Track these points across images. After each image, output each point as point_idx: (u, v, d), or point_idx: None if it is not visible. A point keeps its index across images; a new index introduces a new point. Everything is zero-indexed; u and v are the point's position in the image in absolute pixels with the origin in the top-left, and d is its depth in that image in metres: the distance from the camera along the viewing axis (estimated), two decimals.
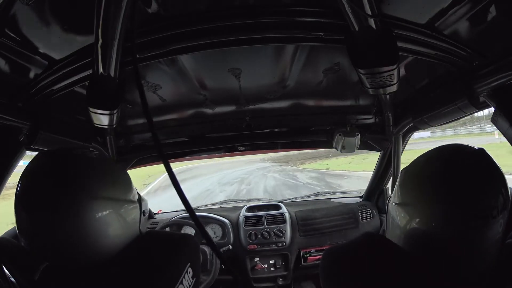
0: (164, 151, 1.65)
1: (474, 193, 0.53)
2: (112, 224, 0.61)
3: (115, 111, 0.86)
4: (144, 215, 0.76)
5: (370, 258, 0.59)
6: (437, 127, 1.20)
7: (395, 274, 0.55)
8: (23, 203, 0.59)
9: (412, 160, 0.66)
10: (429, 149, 0.65)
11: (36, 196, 0.58)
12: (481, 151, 0.58)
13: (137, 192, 0.78)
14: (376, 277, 0.56)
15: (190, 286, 0.67)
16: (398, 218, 0.63)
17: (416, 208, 0.59)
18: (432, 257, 0.56)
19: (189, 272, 0.68)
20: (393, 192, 0.69)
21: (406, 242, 0.61)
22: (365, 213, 1.77)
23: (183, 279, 0.66)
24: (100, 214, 0.59)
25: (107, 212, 0.60)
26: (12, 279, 0.59)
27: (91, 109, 0.83)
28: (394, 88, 0.80)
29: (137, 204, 0.73)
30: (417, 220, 0.58)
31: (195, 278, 0.70)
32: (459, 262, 0.55)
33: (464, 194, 0.53)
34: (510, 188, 0.55)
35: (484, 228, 0.52)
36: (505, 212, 0.53)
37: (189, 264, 0.69)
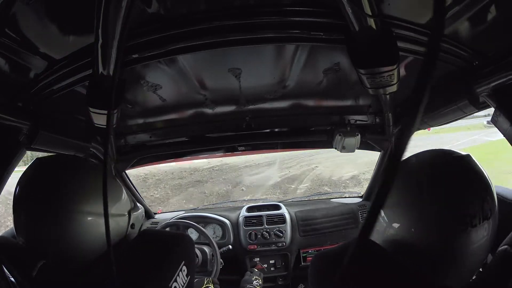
0: (164, 151, 1.65)
1: (454, 200, 0.51)
2: (90, 232, 0.65)
3: (115, 111, 0.86)
4: (132, 228, 0.79)
5: (358, 264, 0.59)
6: None
7: (381, 279, 0.53)
8: (20, 206, 0.64)
9: None
10: (419, 152, 0.63)
11: (27, 202, 0.63)
12: (467, 157, 0.57)
13: (133, 203, 0.81)
14: (363, 283, 0.55)
15: (184, 284, 0.68)
16: (378, 218, 0.62)
17: (395, 212, 0.57)
18: (411, 263, 0.54)
19: (184, 270, 0.69)
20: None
21: (385, 247, 0.60)
22: (365, 213, 1.77)
23: (177, 277, 0.66)
24: (81, 225, 0.63)
25: (89, 223, 0.64)
26: (12, 279, 0.60)
27: (91, 109, 0.83)
28: (394, 88, 0.80)
29: (126, 217, 0.76)
30: (396, 224, 0.57)
31: (189, 277, 0.70)
32: (439, 269, 0.53)
33: (444, 201, 0.52)
34: (498, 194, 0.54)
35: (463, 236, 0.50)
36: (489, 220, 0.51)
37: (183, 262, 0.70)
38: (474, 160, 0.57)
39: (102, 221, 0.65)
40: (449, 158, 0.58)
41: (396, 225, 0.57)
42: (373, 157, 1.68)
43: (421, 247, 0.54)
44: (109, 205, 0.67)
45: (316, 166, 8.67)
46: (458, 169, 0.55)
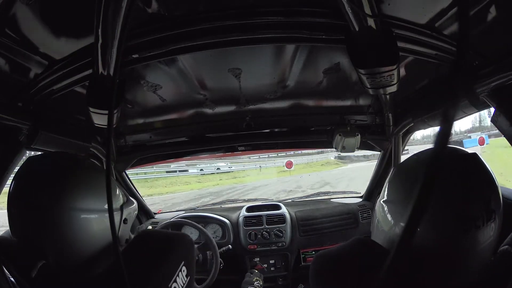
0: (164, 151, 1.65)
1: (460, 199, 0.51)
2: (85, 230, 0.64)
3: (115, 111, 0.86)
4: (125, 223, 0.78)
5: (358, 263, 0.59)
6: None
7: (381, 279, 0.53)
8: (13, 203, 0.63)
9: None
10: (422, 150, 0.63)
11: (20, 198, 0.63)
12: (474, 155, 0.56)
13: (126, 197, 0.81)
14: (363, 282, 0.54)
15: (184, 284, 0.68)
16: (383, 217, 0.62)
17: (400, 207, 0.57)
18: (414, 264, 0.53)
19: (183, 271, 0.69)
20: (383, 188, 0.67)
21: (389, 245, 0.59)
22: (365, 213, 1.77)
23: (177, 277, 0.66)
24: (75, 223, 0.62)
25: (79, 219, 0.63)
26: (12, 279, 0.60)
27: (91, 109, 0.83)
28: (394, 88, 0.80)
29: (118, 212, 0.75)
30: (402, 224, 0.56)
31: (189, 277, 0.70)
32: (443, 270, 0.53)
33: (449, 200, 0.51)
34: (503, 194, 0.53)
35: (470, 236, 0.50)
36: (494, 219, 0.51)
37: (183, 262, 0.70)
38: (480, 158, 0.56)
39: (96, 217, 0.65)
40: (455, 156, 0.57)
41: (402, 224, 0.56)
42: None
43: (426, 247, 0.53)
44: (101, 200, 0.67)
45: None
46: (465, 168, 0.55)
